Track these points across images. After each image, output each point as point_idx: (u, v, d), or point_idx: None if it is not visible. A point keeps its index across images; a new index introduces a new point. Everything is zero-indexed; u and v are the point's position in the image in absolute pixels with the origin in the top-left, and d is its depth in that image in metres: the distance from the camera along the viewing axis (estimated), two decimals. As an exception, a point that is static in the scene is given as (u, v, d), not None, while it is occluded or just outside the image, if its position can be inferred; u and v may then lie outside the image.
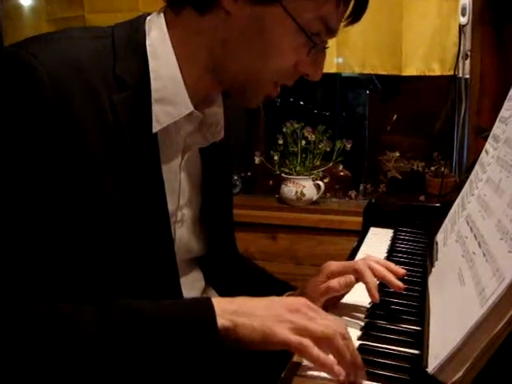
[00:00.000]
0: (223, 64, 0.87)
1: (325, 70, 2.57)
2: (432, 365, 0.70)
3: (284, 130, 2.39)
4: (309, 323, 0.77)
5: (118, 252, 0.84)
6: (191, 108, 0.88)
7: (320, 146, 2.37)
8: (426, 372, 0.70)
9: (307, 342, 0.75)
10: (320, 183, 2.40)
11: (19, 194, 0.77)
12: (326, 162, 2.40)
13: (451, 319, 0.75)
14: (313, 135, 2.37)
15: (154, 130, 0.85)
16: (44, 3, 2.67)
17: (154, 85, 0.85)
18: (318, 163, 2.39)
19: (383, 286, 1.06)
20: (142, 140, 0.85)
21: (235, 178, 2.60)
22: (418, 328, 0.88)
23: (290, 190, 2.38)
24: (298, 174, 2.38)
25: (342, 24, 0.88)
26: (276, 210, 2.44)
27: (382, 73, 2.30)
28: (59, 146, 0.78)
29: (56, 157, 0.78)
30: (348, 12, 0.87)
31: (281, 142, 2.40)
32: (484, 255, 0.75)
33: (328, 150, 2.37)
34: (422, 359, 0.76)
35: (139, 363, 0.75)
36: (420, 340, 0.83)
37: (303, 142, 2.37)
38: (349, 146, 2.36)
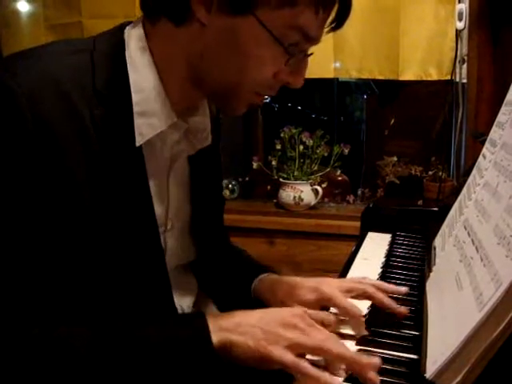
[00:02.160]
0: (202, 75, 0.85)
1: (322, 75, 2.56)
2: (430, 370, 0.70)
3: (282, 135, 2.40)
4: (304, 339, 0.77)
5: (109, 265, 0.84)
6: (174, 118, 0.87)
7: (318, 151, 2.37)
8: (425, 377, 0.70)
9: (303, 362, 0.75)
10: (318, 188, 2.40)
11: (4, 216, 0.76)
12: (323, 166, 2.41)
13: (449, 324, 0.75)
14: (310, 140, 2.37)
15: (138, 144, 0.84)
16: (42, 9, 2.66)
17: (134, 97, 0.84)
18: (315, 168, 2.40)
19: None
20: (127, 154, 0.84)
21: (233, 183, 2.60)
22: (415, 333, 0.88)
23: (287, 194, 2.39)
24: (296, 179, 2.38)
25: (325, 30, 0.85)
26: (274, 215, 2.44)
27: (380, 78, 2.31)
28: (40, 167, 0.76)
29: (38, 178, 0.77)
30: (331, 17, 0.84)
31: (279, 146, 2.40)
32: (481, 260, 0.75)
33: (326, 154, 2.38)
34: (420, 364, 0.76)
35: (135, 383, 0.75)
36: (418, 345, 0.83)
37: (301, 147, 2.38)
38: (347, 150, 2.36)
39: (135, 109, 0.84)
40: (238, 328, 0.77)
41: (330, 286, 0.97)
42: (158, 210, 0.91)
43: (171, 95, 0.86)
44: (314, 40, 0.83)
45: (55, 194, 0.78)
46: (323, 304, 0.97)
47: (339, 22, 0.84)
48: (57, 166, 0.78)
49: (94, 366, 0.74)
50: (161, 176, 0.92)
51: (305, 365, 0.74)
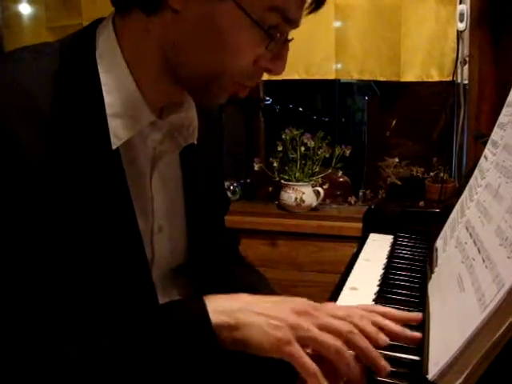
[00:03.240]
0: (178, 66, 0.81)
1: (323, 77, 2.56)
2: (432, 371, 0.70)
3: (283, 136, 2.40)
4: (320, 334, 0.74)
5: (91, 274, 0.81)
6: (152, 117, 0.84)
7: (319, 153, 2.37)
8: (427, 378, 0.70)
9: (317, 369, 0.71)
10: (319, 189, 2.40)
11: None
12: (325, 168, 2.41)
13: (451, 325, 0.75)
14: (312, 141, 2.37)
15: (114, 146, 0.81)
16: (44, 12, 2.68)
17: (107, 99, 0.80)
18: (317, 169, 2.40)
19: (384, 291, 1.06)
20: (103, 158, 0.80)
21: (235, 184, 2.61)
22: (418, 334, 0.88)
23: (289, 196, 2.39)
24: (298, 181, 2.38)
25: (304, 13, 0.81)
26: (275, 216, 2.44)
27: (381, 79, 2.31)
28: (9, 181, 0.74)
29: (8, 192, 0.74)
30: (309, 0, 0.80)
31: (280, 148, 2.40)
32: (483, 261, 0.75)
33: (327, 156, 2.38)
34: (422, 365, 0.76)
35: (134, 374, 0.73)
36: (420, 346, 0.83)
37: (302, 149, 2.38)
38: (348, 151, 2.36)
39: (108, 110, 0.80)
40: (250, 308, 0.75)
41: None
42: (142, 213, 0.88)
43: (147, 93, 0.83)
44: (294, 22, 0.80)
45: (29, 206, 0.75)
46: None
47: (318, 4, 0.81)
48: (26, 179, 0.74)
49: (94, 360, 0.73)
50: (143, 178, 0.89)
51: (321, 377, 0.71)
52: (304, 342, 0.74)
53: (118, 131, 0.81)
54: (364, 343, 0.75)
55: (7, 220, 0.75)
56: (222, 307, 0.75)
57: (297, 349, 0.72)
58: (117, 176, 0.83)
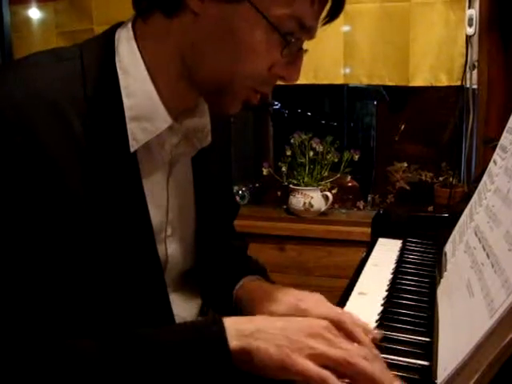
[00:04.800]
0: (195, 69, 0.83)
1: (332, 81, 2.55)
2: (441, 376, 0.70)
3: (292, 141, 2.40)
4: (329, 349, 0.73)
5: (104, 274, 0.82)
6: (169, 121, 0.85)
7: (328, 157, 2.37)
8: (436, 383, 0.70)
9: (326, 373, 0.70)
10: (328, 194, 2.40)
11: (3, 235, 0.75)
12: (334, 172, 2.41)
13: (460, 330, 0.75)
14: (321, 146, 2.37)
15: (132, 149, 0.83)
16: (53, 16, 2.69)
17: (126, 102, 0.82)
18: (325, 174, 2.40)
19: (392, 296, 1.06)
20: (120, 160, 0.82)
21: (243, 189, 2.61)
22: (427, 339, 0.88)
23: (298, 201, 2.39)
24: (306, 185, 2.38)
25: (319, 24, 0.83)
26: (284, 221, 2.44)
27: (390, 84, 2.31)
28: (30, 179, 0.75)
29: (28, 190, 0.75)
30: (325, 11, 0.82)
31: (289, 153, 2.41)
32: (492, 266, 0.75)
33: (336, 160, 2.38)
34: (431, 371, 0.76)
35: None
36: (429, 351, 0.83)
37: (311, 153, 2.38)
38: (357, 156, 2.37)
39: (127, 114, 0.82)
40: (259, 334, 0.74)
41: (308, 308, 0.89)
42: (157, 215, 0.89)
43: (165, 97, 0.85)
44: (309, 31, 0.82)
45: (47, 205, 0.76)
46: None
47: (332, 16, 0.83)
48: (47, 178, 0.76)
49: (104, 376, 0.72)
50: (159, 180, 0.91)
51: (328, 375, 0.70)
52: (313, 359, 0.72)
53: (136, 134, 0.83)
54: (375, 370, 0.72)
55: (24, 217, 0.75)
56: (239, 332, 0.74)
57: (301, 362, 0.71)
58: (132, 178, 0.85)
